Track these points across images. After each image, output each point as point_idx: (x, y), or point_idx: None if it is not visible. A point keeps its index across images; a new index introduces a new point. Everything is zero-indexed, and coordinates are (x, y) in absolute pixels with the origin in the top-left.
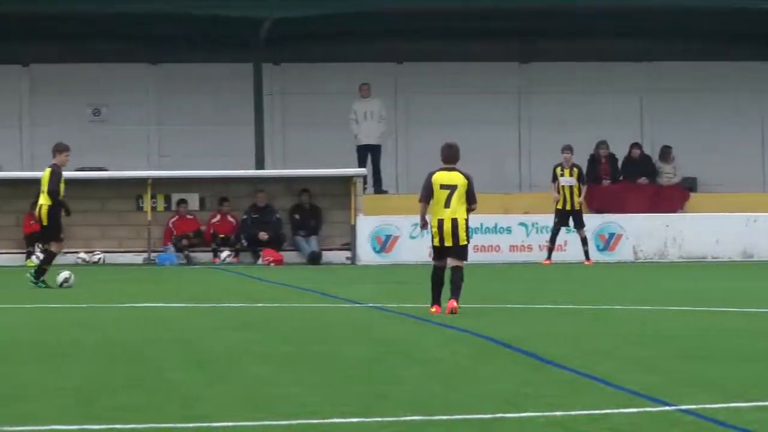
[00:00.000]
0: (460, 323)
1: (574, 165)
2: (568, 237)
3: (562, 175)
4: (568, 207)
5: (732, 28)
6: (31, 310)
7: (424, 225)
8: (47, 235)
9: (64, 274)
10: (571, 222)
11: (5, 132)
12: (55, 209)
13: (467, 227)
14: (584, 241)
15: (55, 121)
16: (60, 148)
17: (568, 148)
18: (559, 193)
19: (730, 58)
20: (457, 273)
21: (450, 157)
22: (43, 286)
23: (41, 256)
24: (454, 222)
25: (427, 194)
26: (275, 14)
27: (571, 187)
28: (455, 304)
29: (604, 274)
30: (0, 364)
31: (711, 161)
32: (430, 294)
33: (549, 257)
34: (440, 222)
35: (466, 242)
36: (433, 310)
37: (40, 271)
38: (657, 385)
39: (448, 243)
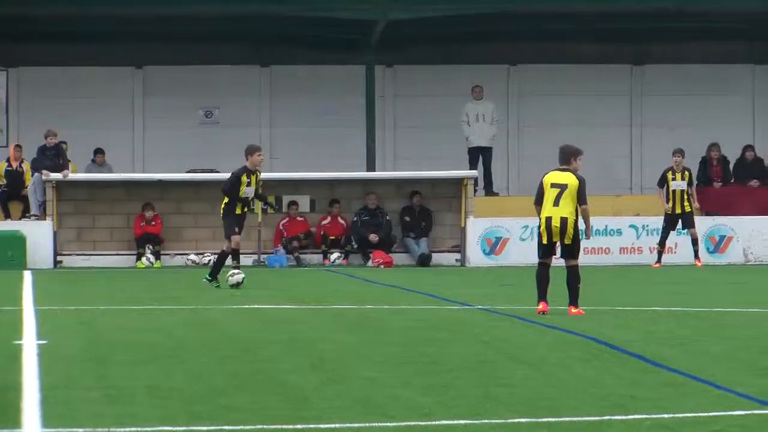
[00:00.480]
0: (569, 325)
1: (685, 168)
2: (678, 239)
3: (673, 178)
4: (678, 210)
5: None
6: (141, 312)
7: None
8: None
9: (237, 277)
10: (680, 224)
11: (118, 133)
12: (228, 208)
13: (576, 227)
14: (695, 241)
15: (166, 123)
16: (251, 150)
17: (679, 152)
18: (668, 197)
19: None
20: (573, 273)
21: (563, 157)
22: (216, 285)
23: (151, 257)
24: (564, 220)
25: (539, 196)
26: (388, 16)
27: (682, 191)
28: (575, 309)
29: (714, 277)
30: (111, 365)
31: None
32: (536, 292)
33: (659, 260)
34: (548, 219)
35: (576, 240)
36: (540, 307)
37: (214, 270)
38: (767, 388)
39: (556, 239)
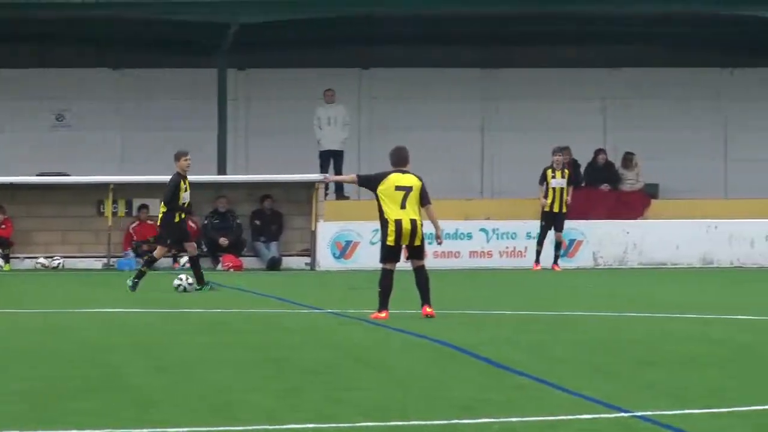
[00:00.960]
0: (418, 329)
1: (565, 167)
2: (528, 243)
3: (553, 176)
4: (555, 209)
5: (695, 35)
6: None
7: (332, 181)
8: (158, 239)
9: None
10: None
11: None
12: (168, 216)
13: (422, 228)
14: (558, 246)
15: (17, 126)
16: (178, 156)
17: (559, 150)
18: (547, 195)
19: (692, 65)
20: (422, 273)
21: (402, 159)
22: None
23: (0, 261)
24: (413, 222)
25: (368, 180)
26: (240, 20)
27: (561, 189)
28: (429, 309)
29: (564, 280)
30: None
31: (673, 168)
32: (379, 299)
33: (538, 261)
34: (398, 222)
35: (423, 242)
36: (383, 315)
37: (139, 274)
38: (614, 392)
39: (406, 242)
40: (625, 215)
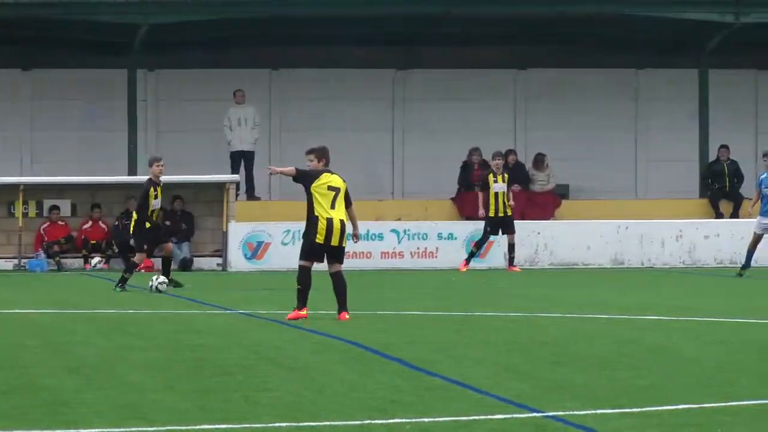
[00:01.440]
0: (331, 329)
1: (504, 171)
2: (439, 243)
3: (495, 181)
4: (501, 213)
5: (605, 35)
6: None
7: (276, 172)
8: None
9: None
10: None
11: None
12: (139, 224)
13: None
14: (511, 248)
15: None
16: (150, 162)
17: (499, 155)
18: (490, 200)
19: (603, 65)
20: (340, 278)
21: (328, 159)
22: (120, 291)
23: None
24: (342, 223)
25: (304, 175)
26: (150, 20)
27: (503, 193)
28: (347, 316)
29: (475, 281)
30: None
31: (584, 168)
32: (298, 297)
33: (468, 261)
34: (329, 221)
35: (343, 245)
36: (303, 313)
37: (122, 279)
38: (526, 392)
39: (335, 243)
40: (536, 216)
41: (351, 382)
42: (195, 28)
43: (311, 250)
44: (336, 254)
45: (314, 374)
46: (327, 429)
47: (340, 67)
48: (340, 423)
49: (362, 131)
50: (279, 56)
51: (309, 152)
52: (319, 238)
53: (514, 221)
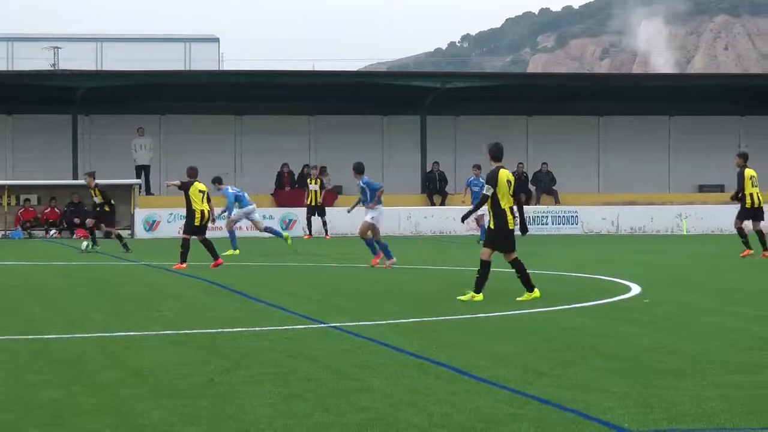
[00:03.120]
0: (199, 274)
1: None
2: None
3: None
4: None
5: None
6: None
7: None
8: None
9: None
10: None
11: None
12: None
13: None
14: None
15: None
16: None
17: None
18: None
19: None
20: (207, 242)
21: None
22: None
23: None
24: (205, 213)
25: (183, 185)
26: (87, 84)
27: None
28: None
29: None
30: None
31: None
32: (181, 255)
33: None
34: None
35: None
36: (184, 266)
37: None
38: (314, 311)
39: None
40: None
41: (205, 303)
42: (115, 89)
43: (192, 229)
44: (201, 230)
45: (185, 300)
46: (197, 335)
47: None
48: (198, 331)
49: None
50: (167, 107)
51: (188, 169)
52: (197, 222)
53: None
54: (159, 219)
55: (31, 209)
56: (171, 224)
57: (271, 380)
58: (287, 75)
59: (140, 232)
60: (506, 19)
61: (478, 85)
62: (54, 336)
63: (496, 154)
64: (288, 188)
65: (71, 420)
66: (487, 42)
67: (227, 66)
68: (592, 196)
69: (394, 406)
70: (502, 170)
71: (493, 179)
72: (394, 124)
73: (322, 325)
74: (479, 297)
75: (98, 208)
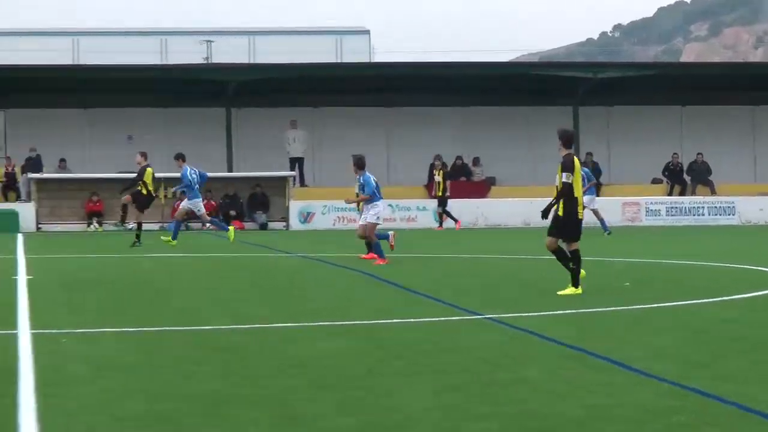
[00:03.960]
0: (357, 266)
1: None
2: None
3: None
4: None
5: None
6: (91, 258)
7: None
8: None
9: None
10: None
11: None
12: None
13: None
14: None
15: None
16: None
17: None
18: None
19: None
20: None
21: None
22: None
23: (96, 225)
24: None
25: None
26: (239, 77)
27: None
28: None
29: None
30: (72, 290)
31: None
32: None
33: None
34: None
35: None
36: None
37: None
38: None
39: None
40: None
41: (365, 295)
42: (267, 82)
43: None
44: None
45: (337, 290)
46: (354, 326)
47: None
48: (359, 322)
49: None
50: (319, 99)
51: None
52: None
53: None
54: (313, 211)
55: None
56: (325, 216)
57: (427, 372)
58: (438, 67)
59: (295, 224)
60: (658, 8)
61: (632, 75)
62: (211, 327)
63: (570, 140)
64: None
65: (229, 410)
66: (639, 31)
67: (377, 58)
68: (749, 187)
69: (551, 398)
70: (575, 157)
71: (571, 166)
72: (544, 115)
73: (478, 316)
74: (578, 291)
75: (142, 190)
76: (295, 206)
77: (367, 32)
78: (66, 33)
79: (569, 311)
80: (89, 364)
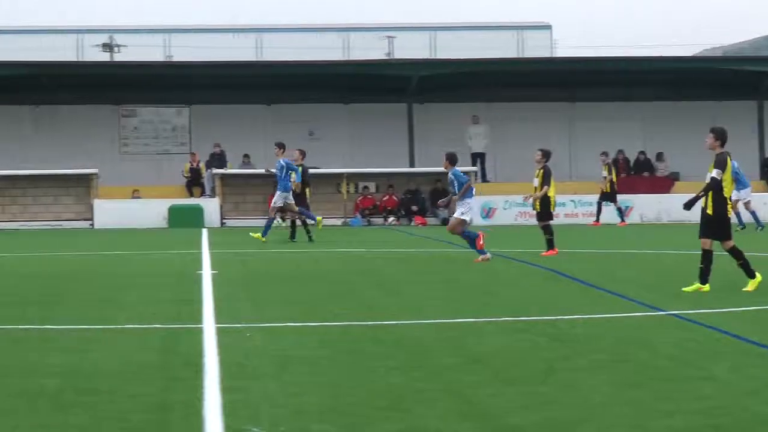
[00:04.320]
0: (538, 261)
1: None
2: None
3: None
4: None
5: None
6: (276, 252)
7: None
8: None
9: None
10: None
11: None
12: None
13: None
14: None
15: None
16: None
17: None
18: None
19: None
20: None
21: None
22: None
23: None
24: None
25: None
26: (421, 72)
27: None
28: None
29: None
30: (256, 285)
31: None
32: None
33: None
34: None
35: None
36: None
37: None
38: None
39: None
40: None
41: (547, 291)
42: (448, 77)
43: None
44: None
45: (518, 286)
46: (537, 321)
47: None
48: (541, 318)
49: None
50: (499, 94)
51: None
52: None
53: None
54: (495, 206)
55: (369, 197)
56: (507, 211)
57: (609, 368)
58: (620, 61)
59: (477, 219)
60: None
61: None
62: (394, 321)
63: (725, 139)
64: (623, 174)
65: (412, 405)
66: None
67: (559, 53)
68: None
69: (737, 395)
70: (728, 156)
71: (723, 164)
72: (728, 110)
73: (660, 312)
74: (705, 288)
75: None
76: (477, 201)
77: (549, 27)
78: (249, 30)
79: (752, 308)
80: (273, 358)
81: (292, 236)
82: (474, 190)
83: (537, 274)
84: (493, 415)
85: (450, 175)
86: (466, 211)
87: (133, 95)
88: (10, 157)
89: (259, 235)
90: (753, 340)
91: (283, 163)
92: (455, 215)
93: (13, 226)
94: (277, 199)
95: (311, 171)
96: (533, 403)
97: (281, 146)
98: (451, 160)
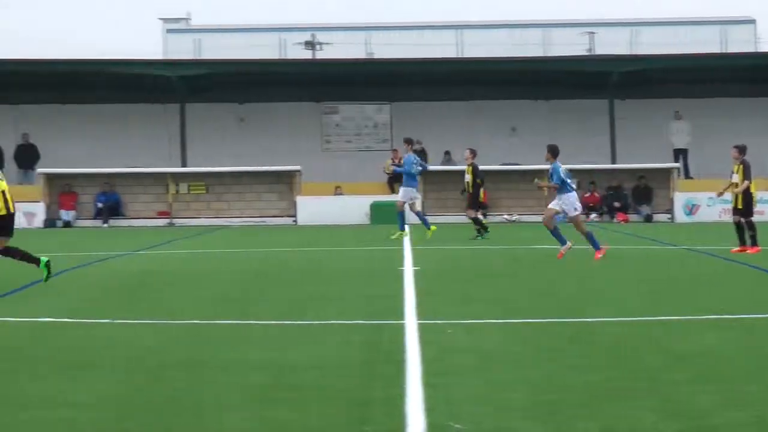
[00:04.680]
0: (741, 259)
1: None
2: None
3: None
4: None
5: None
6: (474, 249)
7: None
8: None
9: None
10: None
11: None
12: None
13: None
14: None
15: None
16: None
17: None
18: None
19: None
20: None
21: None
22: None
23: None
24: None
25: None
26: (622, 68)
27: None
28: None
29: None
30: (460, 281)
31: None
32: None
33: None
34: None
35: None
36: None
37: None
38: None
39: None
40: None
41: (750, 285)
42: (650, 72)
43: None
44: None
45: (722, 283)
46: (741, 319)
47: None
48: (747, 316)
49: None
50: (702, 90)
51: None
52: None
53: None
54: (698, 203)
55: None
56: (711, 208)
57: None
58: None
59: (680, 216)
60: None
61: None
62: (595, 319)
63: None
64: None
65: (613, 403)
66: None
67: (763, 48)
68: None
69: None
70: None
71: None
72: None
73: None
74: None
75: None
76: (679, 198)
77: (753, 21)
78: (450, 26)
79: None
80: (474, 354)
81: (481, 231)
82: (574, 183)
83: (741, 271)
84: (698, 414)
85: (551, 167)
86: (560, 203)
87: (334, 92)
88: (215, 154)
89: (430, 230)
90: None
91: (413, 159)
92: (549, 206)
93: (217, 222)
94: (403, 195)
95: (511, 167)
96: (739, 402)
97: (409, 142)
98: (554, 152)
